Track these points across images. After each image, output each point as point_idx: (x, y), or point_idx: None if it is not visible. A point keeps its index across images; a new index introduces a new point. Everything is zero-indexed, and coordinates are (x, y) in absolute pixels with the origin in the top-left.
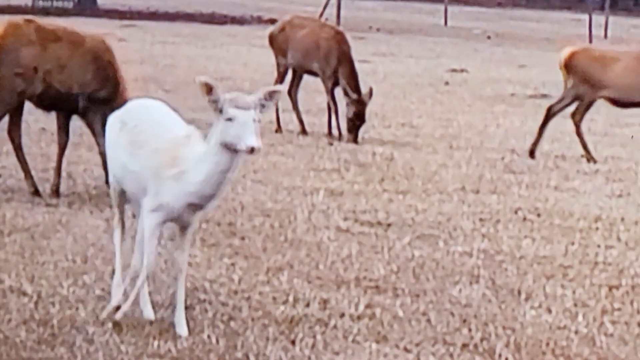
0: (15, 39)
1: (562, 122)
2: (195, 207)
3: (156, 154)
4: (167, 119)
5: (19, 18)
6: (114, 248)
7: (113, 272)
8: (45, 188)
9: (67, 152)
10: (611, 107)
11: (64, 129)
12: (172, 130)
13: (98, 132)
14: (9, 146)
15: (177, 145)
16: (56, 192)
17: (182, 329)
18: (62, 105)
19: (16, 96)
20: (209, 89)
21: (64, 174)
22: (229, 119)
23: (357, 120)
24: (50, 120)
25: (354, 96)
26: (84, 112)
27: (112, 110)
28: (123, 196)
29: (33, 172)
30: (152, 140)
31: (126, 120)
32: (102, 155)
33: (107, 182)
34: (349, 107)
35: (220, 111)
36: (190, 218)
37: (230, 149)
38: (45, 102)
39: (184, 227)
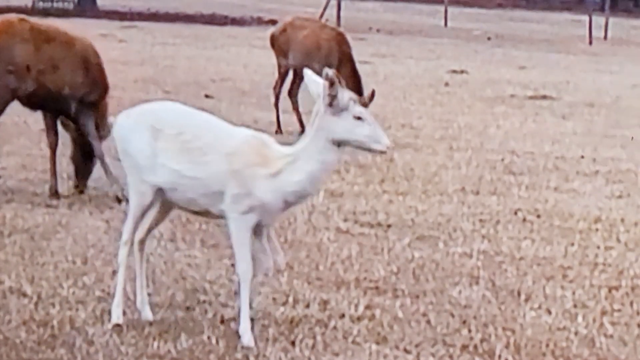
0: (9, 37)
1: (562, 123)
2: (289, 205)
3: (235, 157)
4: (208, 119)
5: (12, 16)
6: (117, 266)
7: (113, 273)
8: (45, 189)
9: (67, 153)
10: (611, 109)
11: (52, 130)
12: (232, 131)
13: (92, 135)
14: (9, 146)
15: (258, 146)
16: (55, 194)
17: (249, 340)
18: (51, 105)
19: (9, 94)
20: (332, 83)
21: (63, 175)
22: (359, 118)
23: None
24: None
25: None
26: (76, 115)
27: (98, 114)
28: (148, 208)
29: (33, 174)
30: (219, 144)
31: (160, 127)
32: (100, 158)
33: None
34: None
35: (339, 108)
36: (279, 217)
37: (351, 147)
38: (34, 101)
39: (261, 228)
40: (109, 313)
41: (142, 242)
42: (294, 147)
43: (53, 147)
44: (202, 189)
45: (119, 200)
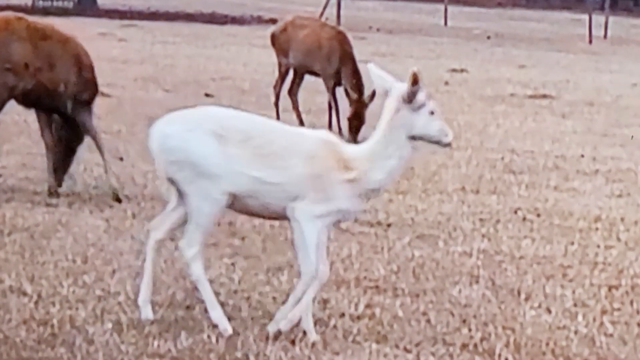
0: (7, 35)
1: (562, 122)
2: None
3: (315, 161)
4: (267, 122)
5: (9, 14)
6: (196, 282)
7: (113, 272)
8: (45, 188)
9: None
10: (611, 108)
11: (48, 129)
12: (301, 133)
13: (93, 132)
14: (9, 146)
15: (332, 148)
16: (56, 192)
17: (312, 334)
18: (46, 103)
19: (7, 91)
20: (416, 80)
21: None
22: (432, 113)
23: (356, 120)
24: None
25: (354, 96)
26: (73, 113)
27: (91, 113)
28: (219, 217)
29: (33, 172)
30: (296, 148)
31: (223, 133)
32: (103, 154)
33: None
34: (349, 107)
35: (417, 104)
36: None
37: (423, 141)
38: (31, 99)
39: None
40: (109, 312)
41: (161, 242)
42: (366, 146)
43: (49, 146)
44: (282, 194)
45: (118, 200)
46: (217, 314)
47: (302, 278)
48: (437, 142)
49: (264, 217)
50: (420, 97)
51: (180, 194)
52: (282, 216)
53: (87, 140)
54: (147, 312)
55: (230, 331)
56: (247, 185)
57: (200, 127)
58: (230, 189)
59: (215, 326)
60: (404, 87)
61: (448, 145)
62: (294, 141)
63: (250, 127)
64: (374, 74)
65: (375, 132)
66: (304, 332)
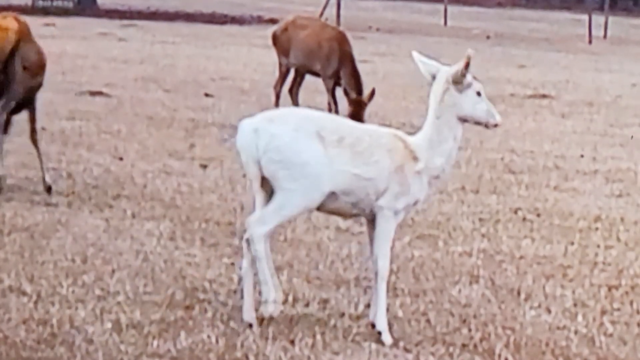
0: (27, 35)
1: (562, 122)
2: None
3: (394, 154)
4: (345, 121)
5: (12, 14)
6: (256, 260)
7: (113, 272)
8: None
9: (67, 152)
10: (610, 108)
11: (33, 125)
12: (374, 128)
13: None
14: (9, 146)
15: (402, 140)
16: (49, 189)
17: (388, 338)
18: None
19: (24, 91)
20: (467, 63)
21: (63, 173)
22: (478, 94)
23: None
24: (50, 120)
25: (353, 96)
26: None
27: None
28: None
29: (33, 172)
30: (379, 143)
31: (323, 134)
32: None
33: None
34: (348, 106)
35: (464, 85)
36: None
37: (471, 122)
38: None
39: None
40: (109, 312)
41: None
42: (423, 135)
43: (36, 144)
44: (373, 189)
45: (49, 190)
46: (270, 294)
47: (379, 273)
48: (485, 124)
49: (346, 215)
50: (468, 78)
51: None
52: (365, 213)
53: (87, 140)
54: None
55: (270, 313)
56: (347, 183)
57: (303, 127)
58: (332, 187)
59: (215, 326)
60: (451, 69)
61: (495, 126)
62: (374, 137)
63: (338, 127)
64: (418, 61)
65: (427, 119)
66: (304, 332)
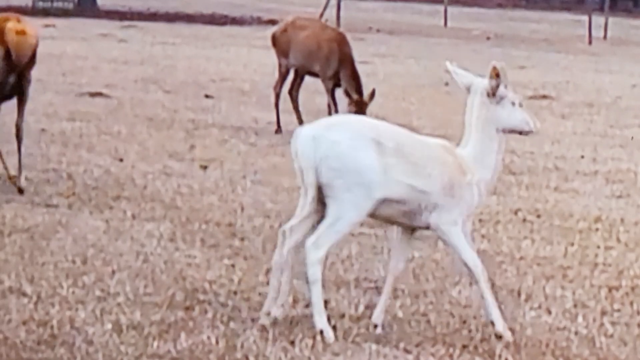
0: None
1: (562, 123)
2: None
3: (447, 167)
4: (404, 131)
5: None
6: (311, 283)
7: (113, 273)
8: (46, 189)
9: (67, 153)
10: (611, 109)
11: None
12: (428, 140)
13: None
14: (9, 146)
15: (451, 153)
16: (20, 190)
17: (503, 327)
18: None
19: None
20: (496, 74)
21: (63, 174)
22: (513, 103)
23: None
24: (50, 121)
25: (355, 97)
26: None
27: None
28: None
29: (33, 173)
30: (431, 156)
31: (382, 142)
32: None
33: None
34: (349, 107)
35: (500, 96)
36: None
37: (509, 132)
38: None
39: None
40: (109, 313)
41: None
42: (469, 148)
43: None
44: (425, 200)
45: (21, 191)
46: (322, 321)
47: (475, 276)
48: (521, 132)
49: (398, 223)
50: (501, 90)
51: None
52: (418, 223)
53: (87, 141)
54: (275, 314)
55: (332, 339)
56: (401, 193)
57: (363, 135)
58: (385, 196)
59: (216, 327)
60: (484, 82)
61: (532, 133)
62: (427, 149)
63: (396, 136)
64: (453, 72)
65: (467, 132)
66: (305, 333)
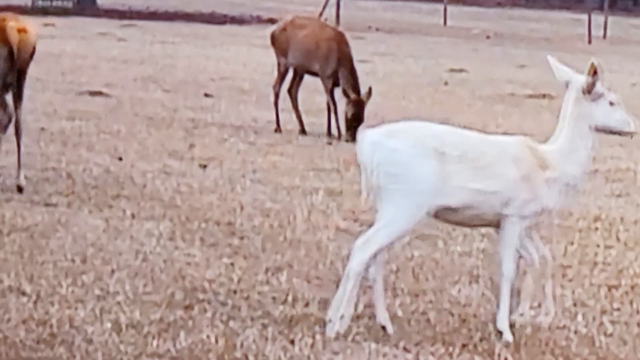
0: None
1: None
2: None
3: (521, 162)
4: (473, 134)
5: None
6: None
7: (112, 272)
8: (45, 187)
9: (66, 152)
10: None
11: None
12: (503, 140)
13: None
14: (8, 146)
15: (531, 149)
16: (20, 189)
17: (509, 336)
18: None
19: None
20: (594, 71)
21: (63, 173)
22: (611, 103)
23: (355, 120)
24: (50, 120)
25: (353, 96)
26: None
27: None
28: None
29: (33, 172)
30: (503, 154)
31: (443, 150)
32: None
33: None
34: (348, 106)
35: (597, 94)
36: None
37: (608, 132)
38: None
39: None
40: (108, 312)
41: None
42: (557, 143)
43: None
44: (497, 201)
45: (20, 189)
46: (344, 321)
47: (505, 275)
48: (620, 133)
49: (471, 225)
50: (599, 88)
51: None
52: (491, 223)
53: (86, 140)
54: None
55: (333, 334)
56: (466, 198)
57: (422, 143)
58: (444, 204)
59: (215, 326)
60: (582, 79)
61: (633, 134)
62: (499, 148)
63: (462, 142)
64: (553, 66)
65: (559, 127)
66: (304, 332)
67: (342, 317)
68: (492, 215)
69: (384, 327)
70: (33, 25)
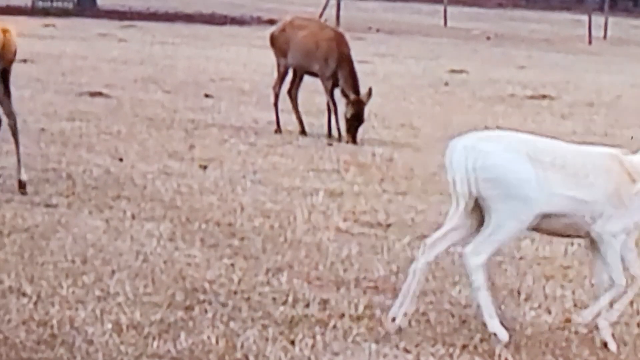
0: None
1: (562, 122)
2: None
3: (612, 175)
4: (561, 143)
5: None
6: (476, 291)
7: (113, 273)
8: (45, 188)
9: (66, 153)
10: (611, 108)
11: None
12: (592, 150)
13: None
14: (8, 146)
15: (618, 160)
16: (22, 185)
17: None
18: None
19: None
20: None
21: (63, 174)
22: None
23: (355, 121)
24: (50, 121)
25: (352, 96)
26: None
27: None
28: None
29: (33, 172)
30: (594, 165)
31: (535, 157)
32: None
33: None
34: (347, 107)
35: None
36: None
37: None
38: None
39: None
40: (109, 313)
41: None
42: None
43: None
44: (588, 212)
45: (23, 186)
46: (494, 323)
47: (614, 287)
48: None
49: (564, 235)
50: None
51: (471, 212)
52: (582, 234)
53: (87, 141)
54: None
55: (507, 339)
56: (562, 206)
57: (514, 148)
58: (544, 210)
59: (215, 327)
60: None
61: None
62: (589, 158)
63: (552, 149)
64: None
65: None
66: (305, 333)
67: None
68: (583, 228)
69: (393, 319)
70: (12, 26)
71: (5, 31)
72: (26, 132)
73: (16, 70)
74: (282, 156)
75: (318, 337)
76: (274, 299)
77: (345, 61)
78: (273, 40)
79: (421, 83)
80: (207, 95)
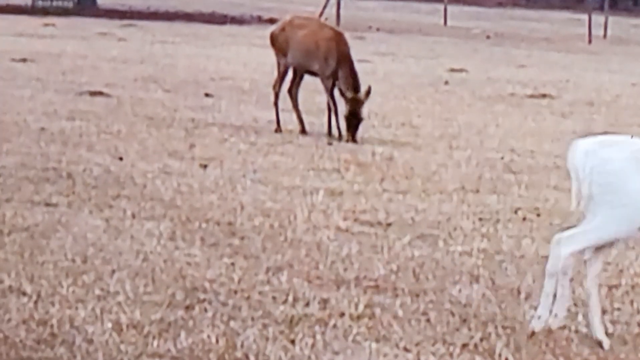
0: None
1: (562, 121)
2: None
3: None
4: None
5: None
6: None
7: (113, 272)
8: (46, 188)
9: (66, 152)
10: (610, 107)
11: None
12: None
13: None
14: (8, 145)
15: None
16: None
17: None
18: None
19: None
20: None
21: (63, 173)
22: None
23: (354, 119)
24: (49, 119)
25: (349, 94)
26: None
27: None
28: None
29: (33, 172)
30: None
31: None
32: None
33: None
34: (345, 105)
35: None
36: None
37: None
38: None
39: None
40: (109, 312)
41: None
42: None
43: None
44: None
45: None
46: (544, 312)
47: None
48: None
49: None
50: None
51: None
52: None
53: (87, 140)
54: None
55: (538, 328)
56: None
57: (636, 157)
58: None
59: (216, 326)
60: None
61: None
62: None
63: None
64: None
65: None
66: (305, 332)
67: (556, 315)
68: None
69: (599, 343)
70: None
71: None
72: (26, 132)
73: (16, 69)
74: (282, 155)
75: (318, 336)
76: (274, 298)
77: (345, 60)
78: (273, 39)
79: (421, 82)
80: (207, 95)
